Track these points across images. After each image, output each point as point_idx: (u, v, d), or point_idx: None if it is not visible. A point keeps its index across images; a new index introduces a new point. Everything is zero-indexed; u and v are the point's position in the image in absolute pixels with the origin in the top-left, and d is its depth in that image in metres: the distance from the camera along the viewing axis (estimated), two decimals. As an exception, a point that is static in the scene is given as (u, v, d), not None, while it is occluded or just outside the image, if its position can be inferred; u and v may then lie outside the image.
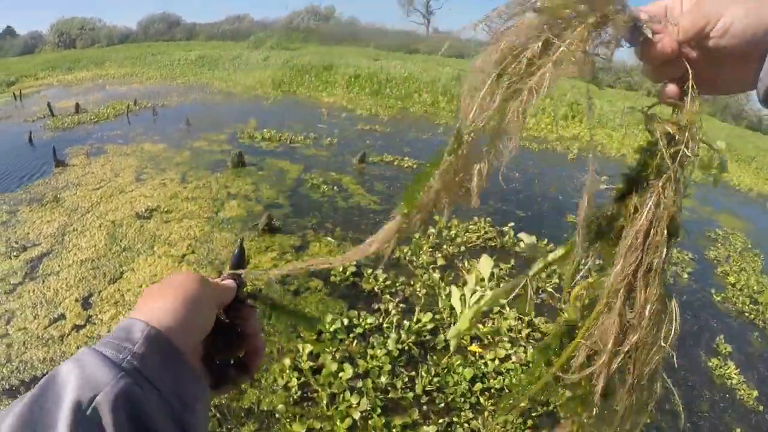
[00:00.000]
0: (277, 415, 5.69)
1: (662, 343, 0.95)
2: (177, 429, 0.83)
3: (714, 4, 0.87)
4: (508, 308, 7.88)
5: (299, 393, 5.99)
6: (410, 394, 6.11)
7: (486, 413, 6.01)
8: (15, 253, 9.11)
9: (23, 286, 8.15)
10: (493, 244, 10.57)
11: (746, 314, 9.70)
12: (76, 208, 11.08)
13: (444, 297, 8.14)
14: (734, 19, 0.84)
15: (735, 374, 7.72)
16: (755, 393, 7.43)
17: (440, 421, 5.83)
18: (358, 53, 48.40)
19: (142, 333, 0.84)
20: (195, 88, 28.22)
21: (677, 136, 0.96)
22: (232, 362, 1.14)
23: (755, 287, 10.81)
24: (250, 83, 28.96)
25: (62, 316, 7.44)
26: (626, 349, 0.97)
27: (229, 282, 1.14)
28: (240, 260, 1.23)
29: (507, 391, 6.38)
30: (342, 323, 7.23)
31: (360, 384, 6.12)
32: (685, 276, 10.70)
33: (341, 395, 5.99)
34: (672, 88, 1.00)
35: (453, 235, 10.54)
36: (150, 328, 0.85)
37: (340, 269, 8.66)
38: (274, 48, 50.70)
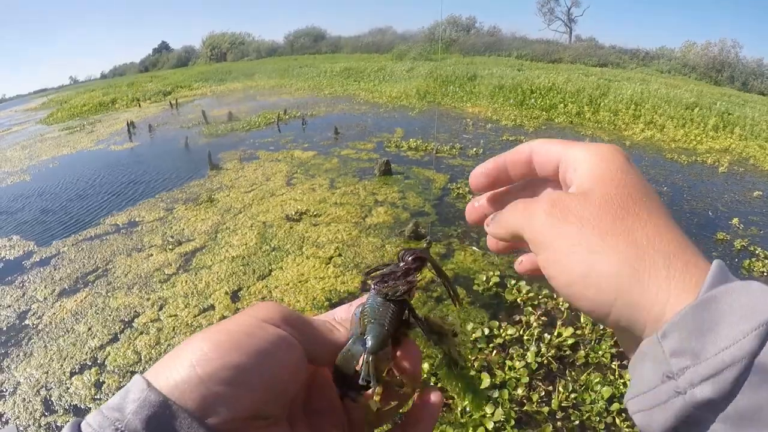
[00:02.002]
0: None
1: None
2: None
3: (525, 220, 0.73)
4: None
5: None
6: (545, 409, 5.92)
7: (622, 435, 5.72)
8: (170, 247, 9.56)
9: (176, 277, 8.55)
10: (643, 260, 10.18)
11: None
12: (229, 209, 11.47)
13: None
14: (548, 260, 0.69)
15: None
16: None
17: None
18: (500, 63, 48.08)
19: (137, 398, 0.60)
20: (342, 99, 28.77)
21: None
22: None
23: None
24: (395, 94, 29.23)
25: (211, 307, 7.74)
26: None
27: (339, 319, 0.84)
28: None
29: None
30: (483, 332, 7.09)
31: (496, 394, 5.97)
32: None
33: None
34: (524, 265, 0.91)
35: (600, 250, 10.23)
36: (149, 390, 0.60)
37: (483, 278, 8.54)
38: (417, 59, 51.04)
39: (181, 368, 0.62)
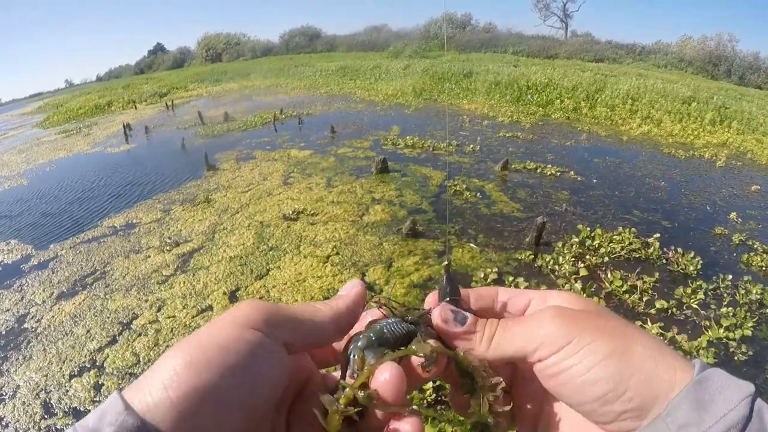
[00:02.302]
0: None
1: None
2: None
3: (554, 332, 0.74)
4: (650, 323, 7.55)
5: (434, 395, 5.93)
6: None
7: None
8: (168, 248, 9.60)
9: (174, 278, 8.59)
10: (638, 255, 10.14)
11: None
12: (226, 209, 11.50)
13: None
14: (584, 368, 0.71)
15: None
16: None
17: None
18: (496, 59, 48.14)
19: (114, 422, 0.59)
20: (338, 98, 28.81)
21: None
22: None
23: None
24: (391, 92, 29.32)
25: (210, 308, 7.77)
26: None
27: (328, 311, 0.84)
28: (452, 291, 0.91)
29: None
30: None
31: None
32: None
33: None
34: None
35: (596, 246, 10.23)
36: (127, 413, 0.59)
37: (481, 275, 8.57)
38: (412, 57, 51.10)
39: (154, 390, 0.61)
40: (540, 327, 0.75)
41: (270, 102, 27.91)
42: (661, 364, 0.67)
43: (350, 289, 0.91)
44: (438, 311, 0.85)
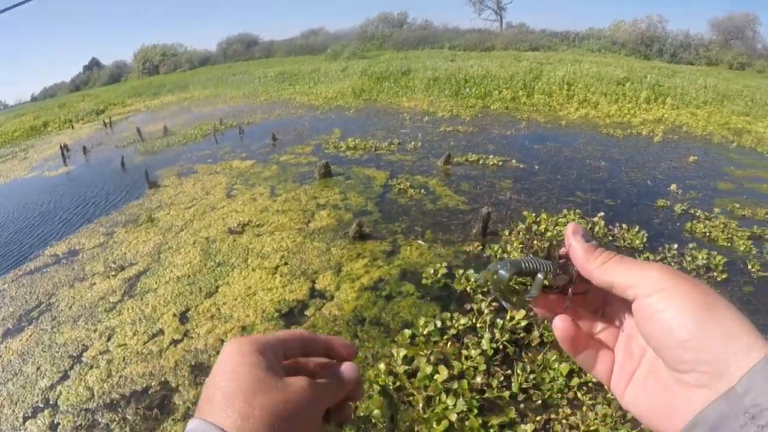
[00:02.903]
0: (373, 420, 5.63)
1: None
2: None
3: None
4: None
5: (395, 397, 5.92)
6: (506, 393, 5.99)
7: (584, 408, 5.82)
8: (113, 273, 9.42)
9: (122, 304, 8.41)
10: (584, 236, 10.33)
11: None
12: (170, 227, 11.35)
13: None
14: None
15: None
16: None
17: (538, 418, 5.70)
18: (433, 55, 48.54)
19: None
20: (278, 104, 28.70)
21: None
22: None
23: None
24: (331, 95, 29.28)
25: (161, 332, 7.61)
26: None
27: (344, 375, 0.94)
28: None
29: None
30: (435, 326, 7.13)
31: (455, 385, 6.01)
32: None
33: (437, 397, 5.90)
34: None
35: (543, 230, 10.37)
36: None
37: (432, 272, 8.61)
38: (351, 58, 51.15)
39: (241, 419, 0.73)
40: (647, 269, 0.78)
41: (209, 113, 27.68)
42: (743, 328, 0.69)
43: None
44: (572, 225, 0.92)
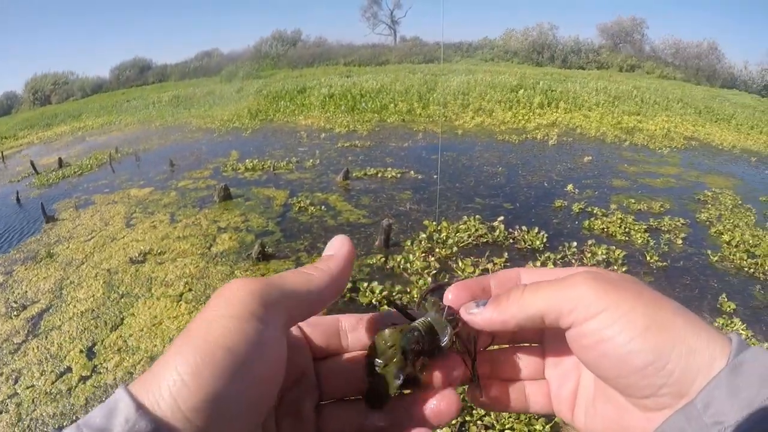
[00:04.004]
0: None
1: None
2: None
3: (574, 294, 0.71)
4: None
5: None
6: (419, 398, 6.13)
7: (498, 408, 6.03)
8: (15, 313, 9.19)
9: (27, 344, 8.22)
10: (485, 240, 10.69)
11: (745, 269, 9.94)
12: (71, 261, 11.16)
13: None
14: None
15: (743, 330, 7.91)
16: (766, 345, 7.48)
17: (453, 422, 5.83)
18: (329, 72, 48.77)
19: (125, 422, 0.56)
20: (174, 129, 28.31)
21: None
22: None
23: (750, 241, 11.07)
24: (227, 117, 29.00)
25: (68, 369, 7.51)
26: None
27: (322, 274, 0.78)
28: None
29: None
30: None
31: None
32: (680, 242, 10.89)
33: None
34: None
35: (444, 238, 10.66)
36: (139, 415, 0.56)
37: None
38: (245, 78, 50.85)
39: (162, 399, 0.58)
40: (574, 288, 0.70)
41: (105, 141, 27.08)
42: (701, 337, 0.63)
43: (339, 248, 0.83)
44: (455, 299, 0.82)
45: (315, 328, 0.85)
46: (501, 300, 0.77)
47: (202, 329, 0.63)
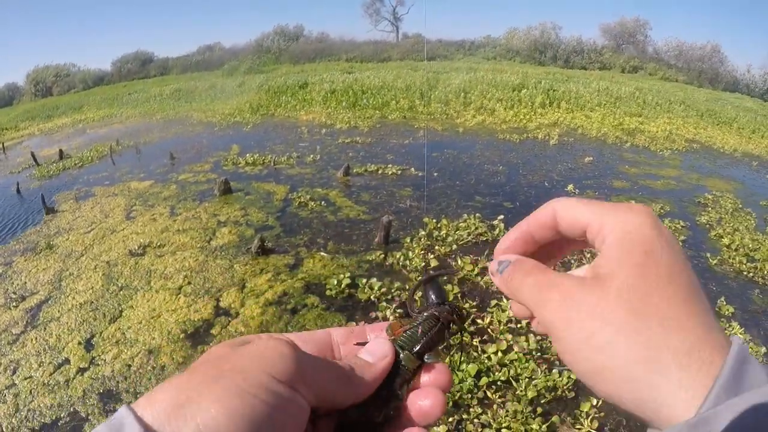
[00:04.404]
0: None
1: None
2: None
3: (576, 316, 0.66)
4: (505, 299, 7.93)
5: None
6: (416, 397, 6.13)
7: (495, 406, 6.07)
8: (14, 304, 9.17)
9: (26, 335, 8.21)
10: (485, 238, 10.67)
11: (744, 273, 9.90)
12: (70, 253, 11.15)
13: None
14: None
15: (741, 333, 7.83)
16: (763, 349, 7.54)
17: (450, 420, 5.87)
18: (331, 68, 48.66)
19: None
20: (175, 122, 28.34)
21: None
22: None
23: (750, 245, 11.04)
24: (229, 111, 29.09)
25: (66, 361, 7.50)
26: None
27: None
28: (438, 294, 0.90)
29: (514, 382, 6.47)
30: (341, 336, 7.26)
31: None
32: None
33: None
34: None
35: (444, 235, 10.66)
36: None
37: (335, 282, 8.79)
38: (247, 73, 50.84)
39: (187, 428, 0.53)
40: (541, 309, 0.70)
41: (106, 134, 27.08)
42: (690, 369, 0.58)
43: (381, 357, 0.78)
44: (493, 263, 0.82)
45: (307, 343, 0.80)
46: (507, 270, 0.78)
47: (235, 376, 0.59)
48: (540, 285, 0.72)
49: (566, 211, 0.78)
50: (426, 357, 0.80)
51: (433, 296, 0.89)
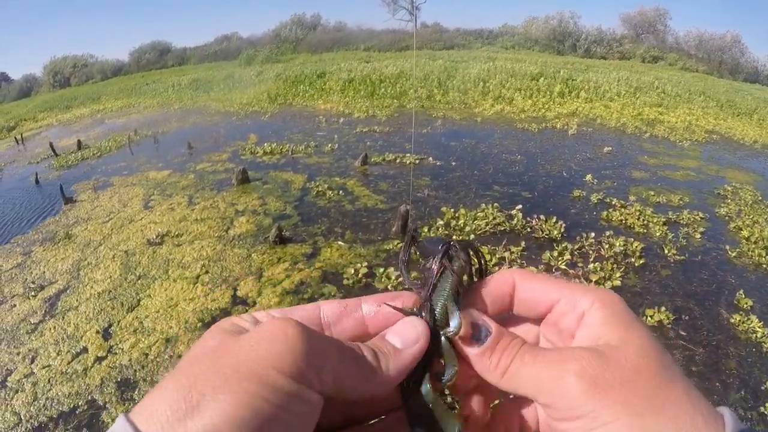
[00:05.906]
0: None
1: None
2: None
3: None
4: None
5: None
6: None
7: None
8: (33, 293, 9.20)
9: (44, 324, 8.23)
10: (503, 228, 10.61)
11: (764, 266, 9.72)
12: (89, 243, 11.17)
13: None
14: None
15: (759, 327, 7.66)
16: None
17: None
18: (349, 57, 48.61)
19: None
20: (193, 112, 28.38)
21: None
22: None
23: (770, 237, 10.82)
24: (246, 100, 29.07)
25: (84, 350, 7.52)
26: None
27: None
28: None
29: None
30: (359, 325, 7.23)
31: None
32: (698, 236, 10.71)
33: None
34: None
35: (462, 225, 10.60)
36: None
37: (352, 271, 8.75)
38: (265, 62, 50.84)
39: None
40: (560, 382, 0.62)
41: (124, 124, 27.15)
42: None
43: (413, 343, 0.70)
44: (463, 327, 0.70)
45: (291, 316, 0.69)
46: (492, 360, 0.69)
47: (242, 372, 0.54)
48: (547, 359, 0.67)
49: (529, 284, 0.74)
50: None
51: (430, 248, 0.80)
